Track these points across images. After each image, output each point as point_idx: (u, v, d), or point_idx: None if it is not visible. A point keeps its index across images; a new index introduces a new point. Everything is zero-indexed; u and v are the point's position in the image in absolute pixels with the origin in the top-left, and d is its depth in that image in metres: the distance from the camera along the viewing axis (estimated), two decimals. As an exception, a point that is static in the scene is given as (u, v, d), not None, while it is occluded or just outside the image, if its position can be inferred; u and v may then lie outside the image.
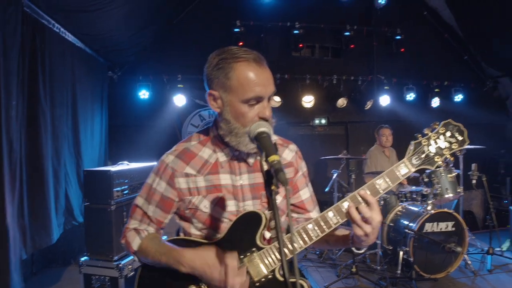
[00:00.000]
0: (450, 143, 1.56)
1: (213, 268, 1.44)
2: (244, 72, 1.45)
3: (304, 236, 1.52)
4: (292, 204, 1.79)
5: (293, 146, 1.82)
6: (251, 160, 1.66)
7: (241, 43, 6.78)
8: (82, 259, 3.89)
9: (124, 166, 4.35)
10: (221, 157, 1.64)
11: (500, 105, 8.40)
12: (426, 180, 5.29)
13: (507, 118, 8.46)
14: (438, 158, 1.53)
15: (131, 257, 3.78)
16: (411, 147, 1.55)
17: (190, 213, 1.63)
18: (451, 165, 5.22)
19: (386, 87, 7.58)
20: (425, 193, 5.15)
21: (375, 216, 1.45)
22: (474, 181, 5.46)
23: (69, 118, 4.94)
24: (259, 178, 1.66)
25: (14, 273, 3.42)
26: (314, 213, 1.83)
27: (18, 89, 3.61)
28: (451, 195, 5.19)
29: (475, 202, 7.98)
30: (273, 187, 1.19)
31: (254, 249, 1.55)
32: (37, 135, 4.03)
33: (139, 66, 6.93)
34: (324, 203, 6.52)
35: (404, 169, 1.54)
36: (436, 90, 7.83)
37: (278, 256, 1.52)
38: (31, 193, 3.85)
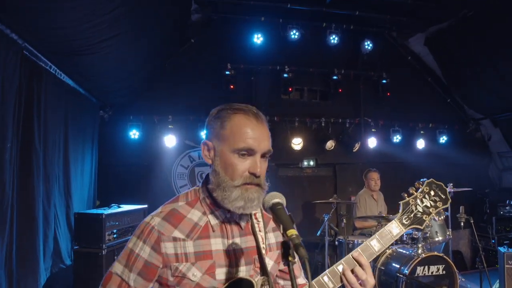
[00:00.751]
0: (435, 201, 1.61)
1: None
2: (240, 123, 1.44)
3: None
4: (280, 270, 1.71)
5: None
6: (243, 223, 1.57)
7: (232, 86, 6.92)
8: (70, 305, 3.82)
9: (116, 209, 4.31)
10: (212, 219, 1.51)
11: (483, 146, 8.65)
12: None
13: (489, 159, 8.70)
14: (426, 217, 1.57)
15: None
16: (400, 207, 1.59)
17: (175, 281, 1.45)
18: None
19: (373, 130, 7.73)
20: (415, 236, 5.17)
21: (370, 279, 1.45)
22: (462, 224, 5.55)
23: (60, 159, 4.89)
24: (251, 242, 1.57)
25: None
26: (301, 279, 1.76)
27: (13, 132, 3.60)
28: (440, 238, 5.28)
29: (462, 242, 8.06)
30: (290, 258, 1.21)
31: None
32: (30, 177, 3.98)
33: (130, 106, 6.95)
34: (315, 245, 6.53)
35: (396, 229, 1.56)
36: (421, 132, 8.03)
37: None
38: (20, 236, 3.75)
